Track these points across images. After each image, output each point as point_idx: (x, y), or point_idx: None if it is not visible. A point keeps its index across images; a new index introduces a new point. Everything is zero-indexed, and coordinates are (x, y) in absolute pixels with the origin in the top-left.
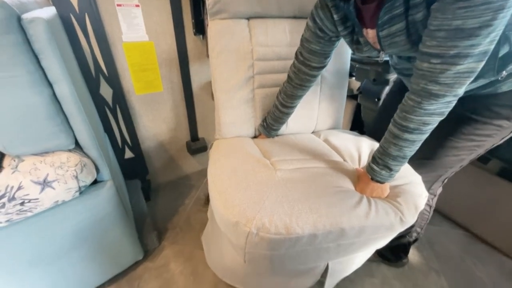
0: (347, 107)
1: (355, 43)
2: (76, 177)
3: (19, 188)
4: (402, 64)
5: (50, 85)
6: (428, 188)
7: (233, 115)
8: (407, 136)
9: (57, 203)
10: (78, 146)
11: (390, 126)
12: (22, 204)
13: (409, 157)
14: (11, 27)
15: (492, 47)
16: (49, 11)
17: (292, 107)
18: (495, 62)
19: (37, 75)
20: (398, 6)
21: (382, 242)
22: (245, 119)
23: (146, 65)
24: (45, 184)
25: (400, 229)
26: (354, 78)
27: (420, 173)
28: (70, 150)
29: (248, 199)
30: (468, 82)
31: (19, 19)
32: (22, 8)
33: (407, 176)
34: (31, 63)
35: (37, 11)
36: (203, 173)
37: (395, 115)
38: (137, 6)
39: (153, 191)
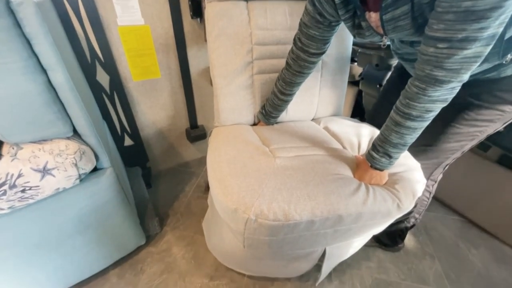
0: (348, 93)
1: (357, 27)
2: (76, 165)
3: (20, 175)
4: (404, 49)
5: (44, 71)
6: (429, 174)
7: (232, 101)
8: (409, 123)
9: (58, 191)
10: (76, 134)
11: (392, 113)
12: (23, 191)
13: (409, 144)
14: (0, 12)
15: (501, 30)
16: None
17: (291, 95)
18: (501, 45)
19: (31, 61)
20: None
21: (379, 228)
22: (244, 106)
23: (143, 50)
24: (45, 171)
25: (398, 215)
26: (356, 63)
27: (421, 160)
28: (68, 138)
29: (247, 186)
30: (475, 67)
31: (7, 2)
32: None
33: (406, 163)
34: (23, 49)
35: None
36: (203, 161)
37: (397, 101)
38: None
39: (153, 178)
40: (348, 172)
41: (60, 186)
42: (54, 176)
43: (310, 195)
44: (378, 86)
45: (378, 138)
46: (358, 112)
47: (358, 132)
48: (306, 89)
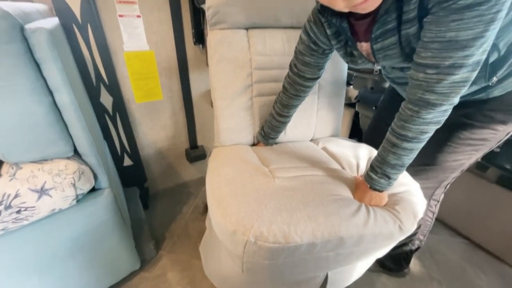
0: (345, 115)
1: (349, 55)
2: (74, 185)
3: (16, 196)
4: (395, 74)
5: (50, 93)
6: (431, 194)
7: (232, 122)
8: (405, 144)
9: (53, 211)
10: (76, 154)
11: (388, 135)
12: (18, 212)
13: (407, 165)
14: (14, 37)
15: (484, 56)
16: (52, 22)
17: (288, 116)
18: (486, 69)
19: (38, 84)
20: (391, 21)
21: (382, 251)
22: (244, 127)
23: (147, 73)
24: (42, 192)
25: (400, 237)
26: (351, 86)
27: (421, 179)
28: (68, 158)
29: (246, 207)
30: (464, 90)
31: (22, 29)
32: (25, 18)
33: (405, 184)
34: (32, 72)
35: (41, 21)
36: (201, 181)
37: (392, 124)
38: (139, 16)
39: (151, 198)
40: (347, 193)
41: (56, 207)
42: (51, 196)
43: (310, 216)
44: (374, 107)
45: (376, 159)
46: (356, 133)
47: (356, 153)
48: (304, 110)
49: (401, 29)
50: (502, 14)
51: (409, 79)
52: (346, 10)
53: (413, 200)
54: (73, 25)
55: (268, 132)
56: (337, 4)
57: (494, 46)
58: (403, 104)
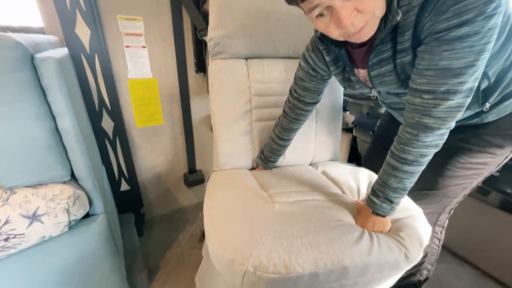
0: (344, 140)
1: (347, 80)
2: (68, 210)
3: (6, 222)
4: (391, 99)
5: (53, 118)
6: (436, 220)
7: (231, 146)
8: (406, 168)
9: (43, 239)
10: (73, 178)
11: (388, 158)
12: (6, 240)
13: (409, 189)
14: (24, 65)
15: (477, 83)
16: (62, 52)
17: (288, 140)
18: (478, 95)
19: (42, 109)
20: (386, 51)
21: (388, 282)
22: (243, 151)
23: (149, 100)
24: (34, 218)
25: (407, 266)
26: (348, 112)
27: (424, 204)
28: (64, 182)
29: (245, 235)
30: (459, 115)
31: (32, 58)
32: (36, 48)
33: (408, 209)
34: (38, 98)
35: (50, 51)
36: (199, 207)
37: (392, 147)
38: (144, 47)
39: (146, 224)
40: (349, 218)
41: (47, 234)
42: (42, 222)
43: (312, 243)
44: (371, 132)
45: (377, 182)
46: (355, 158)
47: (356, 177)
48: (302, 134)
49: (396, 58)
50: (491, 45)
51: (406, 104)
52: (341, 39)
53: (417, 226)
54: (81, 54)
55: (268, 155)
56: (332, 33)
57: (484, 74)
58: (401, 127)
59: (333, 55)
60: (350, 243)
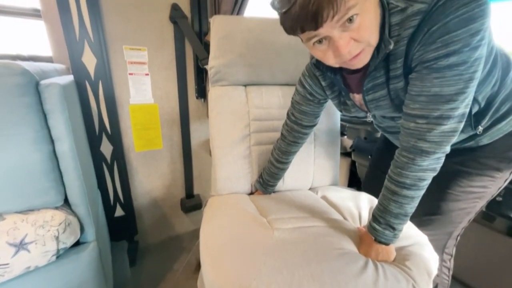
0: (343, 164)
1: (343, 104)
2: (57, 238)
3: None
4: (386, 123)
5: (52, 142)
6: (443, 247)
7: (229, 170)
8: (405, 192)
9: (28, 270)
10: (66, 203)
11: (387, 183)
12: None
13: (410, 214)
14: (28, 91)
15: (468, 109)
16: (67, 78)
17: (287, 163)
18: (470, 119)
19: (42, 133)
20: (380, 77)
21: None
22: (241, 175)
23: (149, 124)
24: (20, 246)
25: None
26: (346, 136)
27: (429, 230)
28: (56, 208)
29: (242, 264)
30: (454, 139)
31: (37, 84)
32: (42, 75)
33: (412, 236)
34: (38, 122)
35: (56, 78)
36: (196, 234)
37: (389, 171)
38: (147, 74)
39: (140, 253)
40: (352, 246)
41: (33, 264)
42: (29, 251)
43: (314, 275)
44: (369, 156)
45: (378, 208)
46: (354, 182)
47: (358, 202)
48: (301, 158)
49: (389, 84)
50: (478, 74)
51: (401, 128)
52: (337, 65)
53: (424, 254)
54: (86, 81)
55: (267, 179)
56: (328, 60)
57: (475, 100)
58: (397, 151)
59: (329, 80)
60: (355, 273)
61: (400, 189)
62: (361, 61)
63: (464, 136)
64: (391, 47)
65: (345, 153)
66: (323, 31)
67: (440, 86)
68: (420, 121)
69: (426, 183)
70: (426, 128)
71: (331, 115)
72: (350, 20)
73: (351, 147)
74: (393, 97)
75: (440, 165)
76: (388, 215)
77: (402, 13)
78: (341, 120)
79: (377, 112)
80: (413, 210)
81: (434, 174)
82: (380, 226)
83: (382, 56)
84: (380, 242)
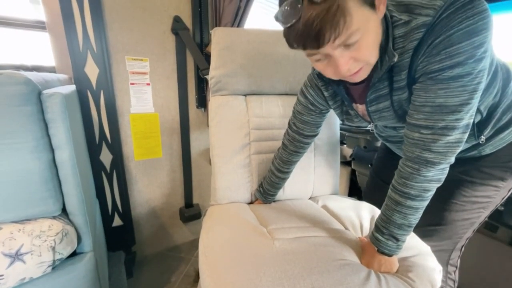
0: (343, 173)
1: (345, 114)
2: (53, 248)
3: None
4: (388, 132)
5: (52, 150)
6: (448, 259)
7: (229, 179)
8: (410, 203)
9: (23, 281)
10: (63, 212)
11: (390, 193)
12: None
13: (414, 225)
14: (31, 100)
15: (472, 120)
16: (69, 88)
17: (288, 172)
18: (474, 128)
19: (42, 141)
20: (383, 88)
21: None
22: (241, 184)
23: (149, 133)
24: (16, 256)
25: None
26: (345, 145)
27: (434, 241)
28: (54, 217)
29: (242, 275)
30: (459, 150)
31: (39, 94)
32: (45, 85)
33: (415, 247)
34: (39, 131)
35: (58, 88)
36: (195, 244)
37: (393, 181)
38: (148, 84)
39: (137, 264)
40: (353, 257)
41: (27, 275)
42: (24, 262)
43: (315, 286)
44: (369, 165)
45: (381, 218)
46: (355, 191)
47: (359, 211)
48: (301, 168)
49: (393, 95)
50: (482, 85)
51: (405, 138)
52: (336, 78)
53: (427, 265)
54: (88, 90)
55: (267, 188)
56: (328, 75)
57: (477, 110)
58: (401, 161)
59: (332, 90)
60: (356, 285)
61: (404, 199)
62: (360, 77)
63: (467, 145)
64: (395, 59)
65: (345, 162)
66: (324, 50)
67: (445, 97)
68: (425, 131)
69: (430, 194)
70: (431, 139)
71: (330, 124)
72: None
73: (351, 156)
74: (396, 108)
75: (445, 175)
76: (392, 226)
77: (406, 26)
78: (340, 129)
79: (379, 123)
80: (416, 221)
81: (439, 184)
82: (383, 237)
83: (386, 68)
84: (383, 253)
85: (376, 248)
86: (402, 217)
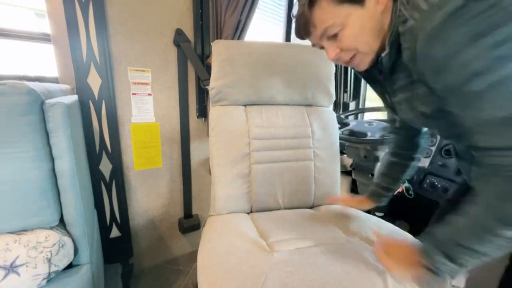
0: (343, 183)
1: (384, 102)
2: (49, 260)
3: None
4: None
5: (52, 160)
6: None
7: (229, 189)
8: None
9: None
10: (61, 223)
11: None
12: None
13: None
14: (33, 110)
15: None
16: (71, 98)
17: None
18: None
19: (43, 151)
20: (402, 79)
21: None
22: (241, 194)
23: (149, 143)
24: (10, 268)
25: None
26: (345, 155)
27: None
28: (51, 228)
29: None
30: None
31: (42, 104)
32: (48, 95)
33: None
34: (40, 140)
35: (61, 98)
36: (193, 256)
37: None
38: (149, 94)
39: (134, 277)
40: (355, 268)
41: None
42: (18, 274)
43: None
44: (370, 175)
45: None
46: None
47: (361, 221)
48: (301, 177)
49: (412, 88)
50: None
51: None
52: (337, 64)
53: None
54: (90, 101)
55: (384, 182)
56: (329, 57)
57: None
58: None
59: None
60: None
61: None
62: (359, 66)
63: None
64: (385, 53)
65: (345, 172)
66: (313, 41)
67: (493, 107)
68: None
69: None
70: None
71: (330, 133)
72: (334, 34)
73: (351, 165)
74: (415, 104)
75: None
76: (467, 255)
77: (404, 25)
78: (340, 139)
79: (403, 116)
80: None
81: None
82: (452, 263)
83: (386, 60)
84: (429, 269)
85: (424, 258)
86: (495, 249)
